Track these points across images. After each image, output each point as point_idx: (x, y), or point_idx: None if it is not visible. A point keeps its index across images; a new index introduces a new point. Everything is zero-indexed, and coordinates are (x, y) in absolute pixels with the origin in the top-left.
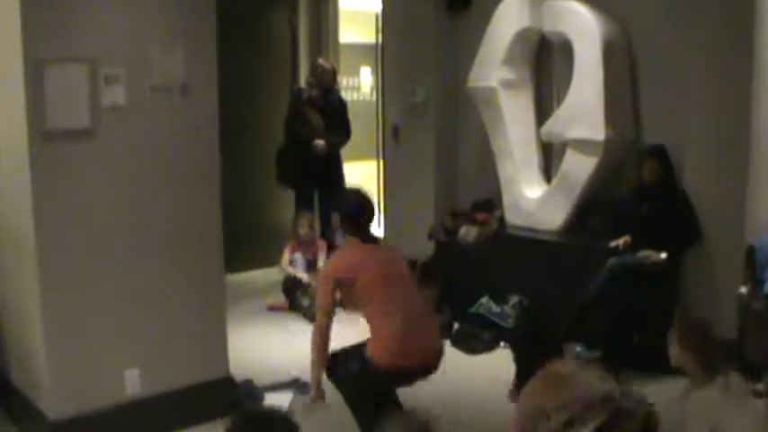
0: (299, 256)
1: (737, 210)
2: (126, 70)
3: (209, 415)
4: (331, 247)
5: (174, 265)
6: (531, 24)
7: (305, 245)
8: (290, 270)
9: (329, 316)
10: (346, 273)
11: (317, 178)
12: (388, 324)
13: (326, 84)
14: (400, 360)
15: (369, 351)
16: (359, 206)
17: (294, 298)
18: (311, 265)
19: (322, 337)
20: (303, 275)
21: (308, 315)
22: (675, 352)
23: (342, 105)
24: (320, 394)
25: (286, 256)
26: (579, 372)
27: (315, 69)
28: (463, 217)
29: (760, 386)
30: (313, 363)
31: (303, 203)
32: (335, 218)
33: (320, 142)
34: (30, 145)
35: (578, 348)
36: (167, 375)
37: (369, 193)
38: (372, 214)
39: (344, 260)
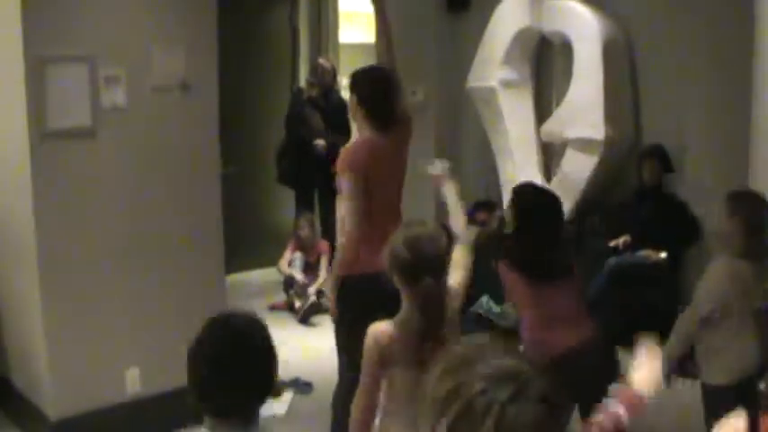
0: (298, 255)
1: None
2: (126, 70)
3: None
4: (333, 249)
5: (175, 265)
6: (530, 24)
7: (306, 248)
8: (287, 270)
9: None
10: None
11: (317, 178)
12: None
13: (327, 84)
14: (363, 263)
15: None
16: (382, 80)
17: (288, 296)
18: (309, 267)
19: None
20: (299, 276)
21: (301, 318)
22: (722, 218)
23: (342, 105)
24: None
25: (286, 256)
26: (484, 350)
27: (315, 69)
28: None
29: (762, 385)
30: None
31: (303, 203)
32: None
33: (320, 142)
34: (30, 145)
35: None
36: (168, 375)
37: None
38: (397, 91)
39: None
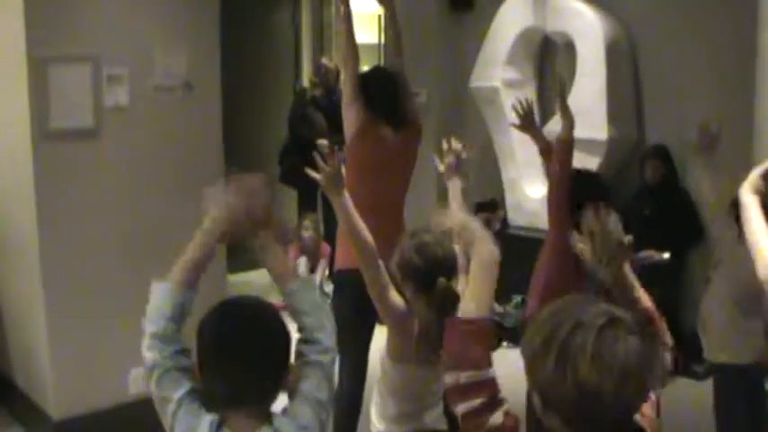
0: (303, 260)
1: None
2: (129, 70)
3: None
4: (334, 253)
5: None
6: (534, 24)
7: (309, 250)
8: None
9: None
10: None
11: None
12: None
13: (330, 83)
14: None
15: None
16: (388, 78)
17: None
18: (313, 272)
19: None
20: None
21: None
22: (729, 225)
23: None
24: None
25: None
26: (568, 303)
27: (319, 69)
28: None
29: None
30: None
31: (306, 204)
32: None
33: (323, 142)
34: (33, 145)
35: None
36: None
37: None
38: (405, 92)
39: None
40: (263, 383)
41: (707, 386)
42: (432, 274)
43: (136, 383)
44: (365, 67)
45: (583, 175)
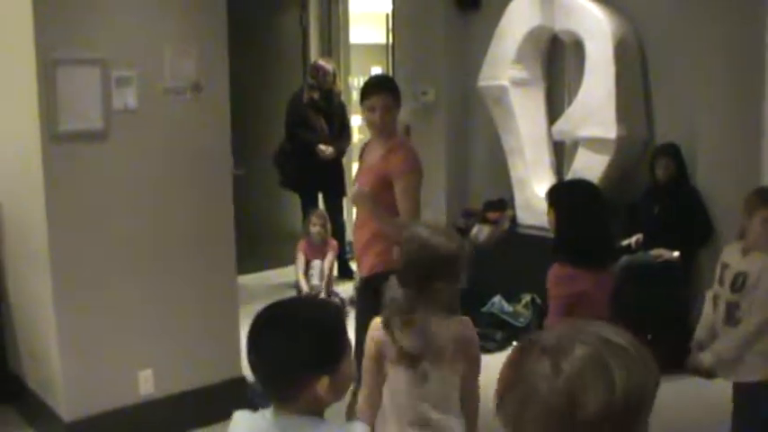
0: (316, 263)
1: None
2: (138, 72)
3: (222, 415)
4: (341, 248)
5: (187, 266)
6: (542, 23)
7: (316, 246)
8: (304, 285)
9: None
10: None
11: (321, 181)
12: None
13: (327, 86)
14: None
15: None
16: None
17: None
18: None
19: None
20: (317, 283)
21: None
22: (756, 226)
23: (342, 109)
24: None
25: (299, 263)
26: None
27: (316, 71)
28: (475, 216)
29: None
30: None
31: (309, 206)
32: None
33: (328, 148)
34: (42, 147)
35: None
36: (181, 376)
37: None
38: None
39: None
40: (277, 381)
41: (709, 384)
42: (422, 270)
43: (146, 384)
44: (374, 68)
45: (581, 186)
